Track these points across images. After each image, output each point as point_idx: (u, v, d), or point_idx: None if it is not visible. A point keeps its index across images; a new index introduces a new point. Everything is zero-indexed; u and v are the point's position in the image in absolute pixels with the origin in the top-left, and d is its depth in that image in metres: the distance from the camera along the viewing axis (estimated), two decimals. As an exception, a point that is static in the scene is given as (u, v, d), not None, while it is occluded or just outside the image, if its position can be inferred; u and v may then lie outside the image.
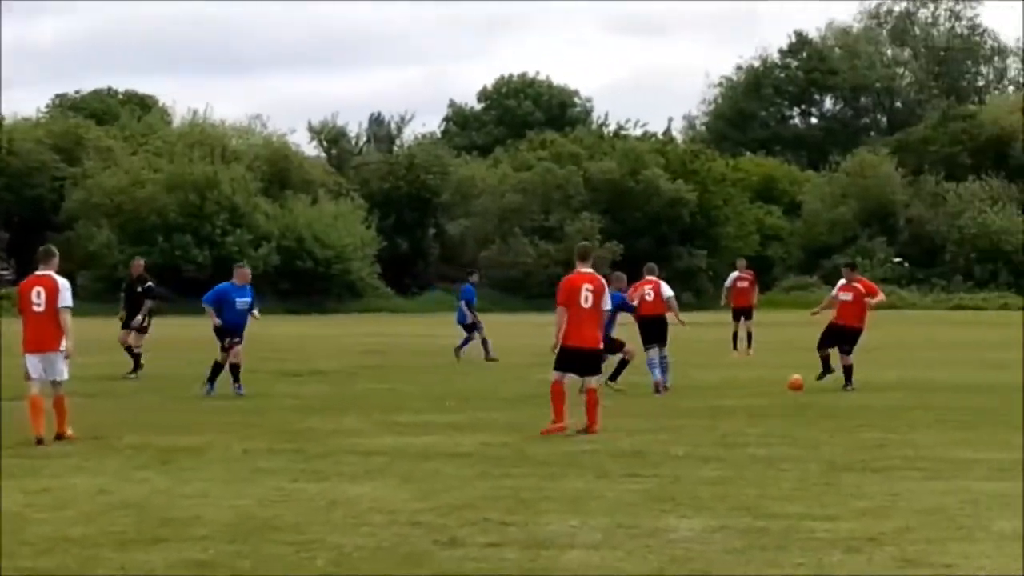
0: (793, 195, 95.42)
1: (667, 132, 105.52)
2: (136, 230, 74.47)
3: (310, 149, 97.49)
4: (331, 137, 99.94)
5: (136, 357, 28.74)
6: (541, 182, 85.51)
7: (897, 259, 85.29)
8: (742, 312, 36.96)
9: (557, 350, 18.32)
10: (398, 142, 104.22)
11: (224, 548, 10.63)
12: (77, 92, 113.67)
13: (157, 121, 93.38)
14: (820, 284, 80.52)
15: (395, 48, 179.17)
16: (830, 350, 25.35)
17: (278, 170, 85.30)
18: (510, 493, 13.02)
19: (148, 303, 29.74)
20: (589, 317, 18.11)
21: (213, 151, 79.47)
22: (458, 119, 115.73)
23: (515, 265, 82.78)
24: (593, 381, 18.34)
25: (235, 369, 24.33)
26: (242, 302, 24.72)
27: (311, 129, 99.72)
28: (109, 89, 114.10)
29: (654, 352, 24.74)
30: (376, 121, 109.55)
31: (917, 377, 27.94)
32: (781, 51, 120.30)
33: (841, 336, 25.35)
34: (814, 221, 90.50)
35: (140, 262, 31.67)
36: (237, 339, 24.49)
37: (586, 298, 18.06)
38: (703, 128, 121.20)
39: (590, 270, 18.55)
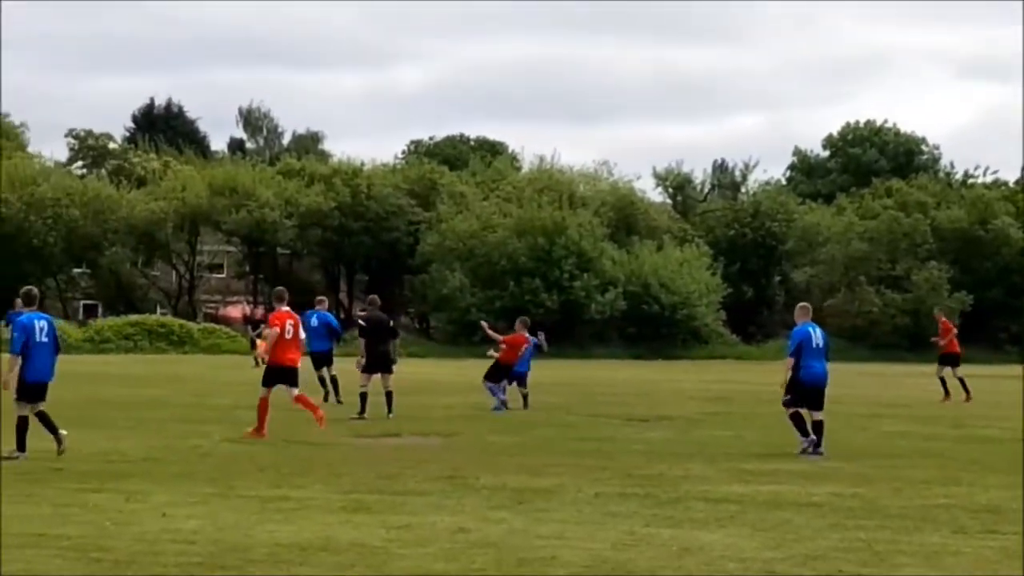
0: None
1: (1020, 180, 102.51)
2: (487, 274, 76.06)
3: (655, 195, 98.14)
4: (676, 184, 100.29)
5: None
6: (887, 230, 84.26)
7: None
8: None
9: (264, 368, 24.27)
10: (743, 189, 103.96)
11: (580, 590, 10.83)
12: (431, 138, 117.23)
13: (506, 167, 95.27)
14: None
15: (740, 95, 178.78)
16: None
17: (624, 216, 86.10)
18: (864, 545, 12.89)
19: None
20: (291, 344, 23.74)
21: (561, 197, 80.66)
22: (803, 166, 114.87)
23: (860, 314, 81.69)
24: (296, 391, 23.77)
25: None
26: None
27: (656, 175, 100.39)
28: (461, 136, 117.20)
29: None
30: (720, 168, 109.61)
31: None
32: None
33: None
34: None
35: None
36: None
37: (288, 330, 23.72)
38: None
39: (287, 309, 24.22)
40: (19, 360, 19.35)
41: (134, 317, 72.43)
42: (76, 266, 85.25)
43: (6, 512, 14.05)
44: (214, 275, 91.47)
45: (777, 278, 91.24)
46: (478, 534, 13.22)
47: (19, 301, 41.03)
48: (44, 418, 19.45)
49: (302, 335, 24.68)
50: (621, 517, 14.56)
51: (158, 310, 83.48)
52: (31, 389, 19.48)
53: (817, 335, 22.17)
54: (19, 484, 16.30)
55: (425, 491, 16.35)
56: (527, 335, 32.17)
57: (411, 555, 12.10)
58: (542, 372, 39.58)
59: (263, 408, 23.35)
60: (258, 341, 57.39)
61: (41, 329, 19.60)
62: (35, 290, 20.64)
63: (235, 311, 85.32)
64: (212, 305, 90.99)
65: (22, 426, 19.30)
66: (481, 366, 31.67)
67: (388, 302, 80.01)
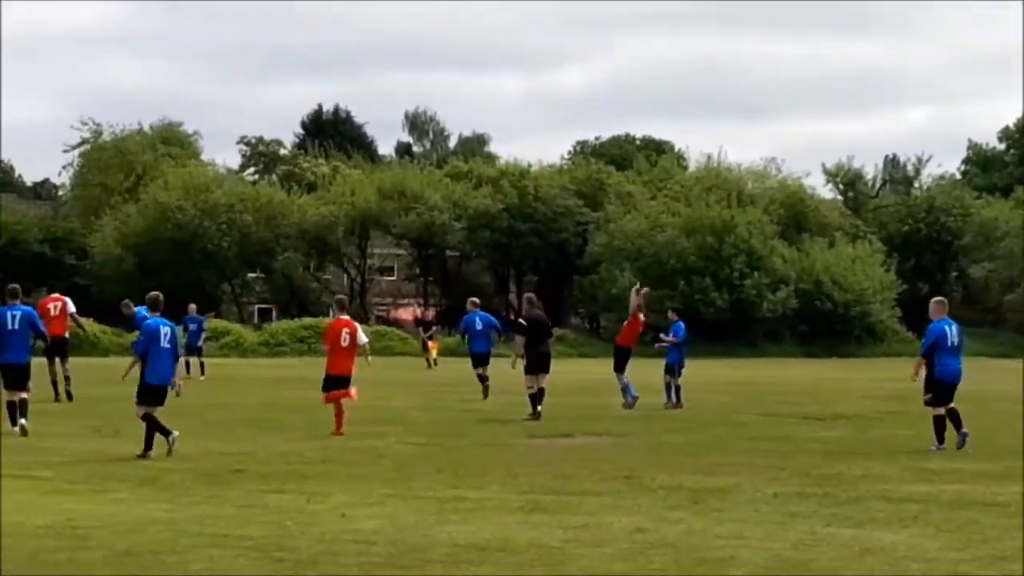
0: None
1: None
2: (657, 273, 75.84)
3: (825, 192, 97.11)
4: (847, 180, 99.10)
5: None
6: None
7: None
8: None
9: (324, 376, 24.04)
10: (916, 184, 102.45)
11: (762, 590, 10.71)
12: (597, 138, 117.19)
13: (672, 165, 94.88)
14: None
15: (911, 88, 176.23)
16: None
17: (794, 213, 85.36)
18: (1053, 546, 12.60)
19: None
20: (347, 352, 23.91)
21: (729, 195, 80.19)
22: (978, 159, 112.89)
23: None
24: (353, 391, 23.74)
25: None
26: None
27: (826, 172, 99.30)
28: (626, 135, 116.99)
29: None
30: (892, 163, 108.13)
31: None
32: None
33: None
34: None
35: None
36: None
37: (345, 339, 23.82)
38: None
39: (347, 317, 24.66)
40: (139, 361, 19.98)
41: (307, 320, 73.34)
42: (250, 271, 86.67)
43: (189, 513, 14.28)
44: (385, 278, 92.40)
45: (953, 274, 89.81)
46: (656, 534, 13.13)
47: (192, 307, 42.10)
48: (152, 422, 19.63)
49: (363, 339, 24.28)
50: (800, 517, 14.36)
51: (331, 313, 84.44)
52: (150, 391, 19.86)
53: (953, 332, 21.72)
54: (201, 485, 16.55)
55: (601, 491, 16.30)
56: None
57: (589, 555, 12.05)
58: (713, 371, 39.45)
59: (337, 408, 23.80)
60: (429, 343, 57.92)
61: (165, 335, 20.02)
62: (160, 296, 20.92)
63: (406, 313, 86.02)
64: (383, 308, 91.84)
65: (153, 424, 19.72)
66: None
67: (558, 302, 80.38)
